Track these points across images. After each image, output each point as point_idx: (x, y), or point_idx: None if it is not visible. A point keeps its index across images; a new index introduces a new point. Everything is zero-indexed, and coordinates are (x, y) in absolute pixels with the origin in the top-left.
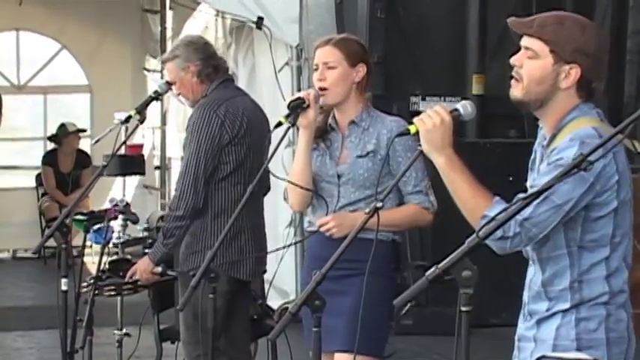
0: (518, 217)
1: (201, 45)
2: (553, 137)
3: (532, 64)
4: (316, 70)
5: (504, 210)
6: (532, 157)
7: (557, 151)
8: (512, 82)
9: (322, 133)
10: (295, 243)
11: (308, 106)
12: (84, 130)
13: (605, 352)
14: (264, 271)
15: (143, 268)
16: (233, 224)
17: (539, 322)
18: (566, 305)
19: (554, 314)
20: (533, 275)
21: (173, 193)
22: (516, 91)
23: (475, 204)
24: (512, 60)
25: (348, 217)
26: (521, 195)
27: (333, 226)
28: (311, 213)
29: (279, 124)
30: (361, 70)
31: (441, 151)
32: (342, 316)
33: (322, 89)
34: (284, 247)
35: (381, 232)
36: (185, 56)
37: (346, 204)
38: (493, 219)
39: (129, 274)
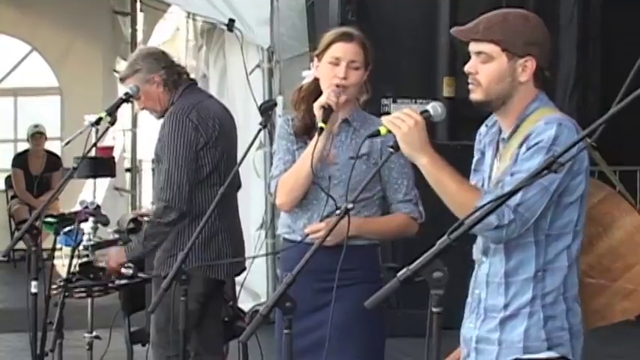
0: (511, 203)
1: (160, 54)
2: (516, 128)
3: (488, 68)
4: (335, 64)
5: (497, 196)
6: (476, 158)
7: (535, 134)
8: (471, 86)
9: (308, 130)
10: (277, 252)
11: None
12: (41, 133)
13: (570, 347)
14: (242, 270)
15: (116, 258)
16: (209, 226)
17: (502, 322)
18: (528, 297)
19: (517, 314)
20: (489, 269)
21: (151, 198)
22: (476, 94)
23: (464, 197)
24: (467, 68)
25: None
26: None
27: (321, 235)
28: (289, 218)
29: (322, 129)
30: (367, 72)
31: (422, 152)
32: (341, 328)
33: (339, 86)
34: (269, 254)
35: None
36: (147, 68)
37: (337, 208)
38: (480, 208)
39: (100, 257)
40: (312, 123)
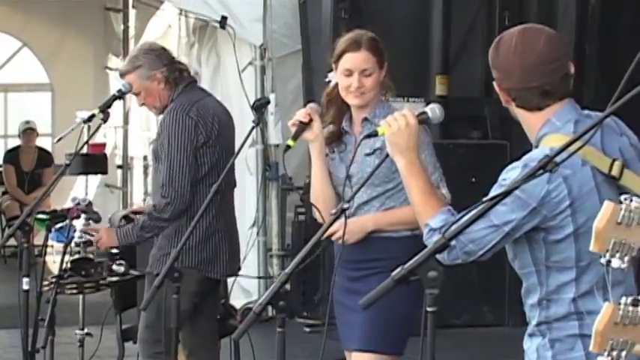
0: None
1: (162, 51)
2: None
3: None
4: (348, 75)
5: (447, 222)
6: None
7: (506, 170)
8: None
9: (338, 137)
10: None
11: (311, 121)
12: (33, 129)
13: None
14: (238, 270)
15: (107, 240)
16: (207, 225)
17: (529, 335)
18: (534, 322)
19: (533, 332)
20: None
21: (142, 195)
22: None
23: (423, 210)
24: None
25: (354, 223)
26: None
27: (340, 235)
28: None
29: (288, 147)
30: (384, 69)
31: (403, 154)
32: (360, 315)
33: (356, 92)
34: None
35: (395, 230)
36: (149, 65)
37: (361, 204)
38: (432, 230)
39: (94, 238)
40: (339, 130)
